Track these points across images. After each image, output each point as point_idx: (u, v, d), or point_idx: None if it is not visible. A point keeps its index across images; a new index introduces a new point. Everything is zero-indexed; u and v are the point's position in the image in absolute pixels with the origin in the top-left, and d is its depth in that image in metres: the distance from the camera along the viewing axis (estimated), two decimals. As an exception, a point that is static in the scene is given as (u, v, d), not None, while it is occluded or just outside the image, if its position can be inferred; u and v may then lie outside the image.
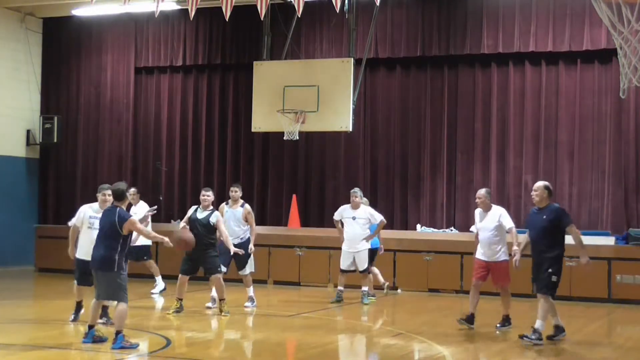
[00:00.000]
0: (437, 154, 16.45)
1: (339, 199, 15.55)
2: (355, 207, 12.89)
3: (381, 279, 13.74)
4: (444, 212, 16.27)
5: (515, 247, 10.05)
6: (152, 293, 13.51)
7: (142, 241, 12.25)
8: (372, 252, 13.15)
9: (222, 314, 11.25)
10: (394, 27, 16.40)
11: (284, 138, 14.29)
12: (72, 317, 10.35)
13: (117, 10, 16.63)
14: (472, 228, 14.96)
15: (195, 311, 11.66)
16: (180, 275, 11.37)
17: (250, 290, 12.21)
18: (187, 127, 18.13)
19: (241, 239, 12.02)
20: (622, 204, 15.09)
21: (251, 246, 12.08)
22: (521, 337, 9.55)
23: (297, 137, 14.30)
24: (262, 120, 14.66)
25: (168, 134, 18.30)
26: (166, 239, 9.30)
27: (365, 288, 12.97)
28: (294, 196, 16.68)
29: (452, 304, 13.42)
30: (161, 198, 17.22)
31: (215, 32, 17.64)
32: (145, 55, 18.28)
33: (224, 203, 12.18)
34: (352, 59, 14.32)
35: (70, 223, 11.12)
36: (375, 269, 13.54)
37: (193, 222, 11.27)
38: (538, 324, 9.49)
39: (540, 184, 9.90)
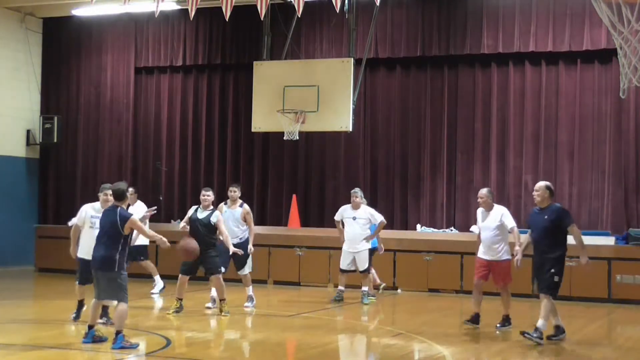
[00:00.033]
0: (437, 154, 16.45)
1: (339, 199, 15.56)
2: (356, 207, 12.89)
3: (377, 279, 13.75)
4: (444, 212, 16.27)
5: (517, 248, 10.06)
6: (152, 293, 13.50)
7: (139, 241, 12.26)
8: (370, 252, 13.14)
9: (222, 314, 11.25)
10: (394, 27, 16.41)
11: (284, 138, 14.30)
12: (74, 316, 10.36)
13: (117, 10, 16.63)
14: (472, 228, 15.09)
15: (195, 311, 11.66)
16: (180, 275, 11.37)
17: (250, 290, 12.22)
18: (187, 127, 18.14)
19: (240, 238, 12.02)
20: (622, 204, 15.09)
21: (250, 247, 12.09)
22: (522, 333, 9.55)
23: (297, 137, 14.30)
24: (262, 120, 14.66)
25: (168, 134, 18.30)
26: (164, 238, 9.31)
27: (365, 288, 12.97)
28: (294, 196, 16.69)
29: (452, 304, 13.43)
30: (161, 198, 17.23)
31: (215, 32, 17.64)
32: (145, 55, 18.28)
33: (223, 203, 12.17)
34: (352, 59, 14.32)
35: (70, 223, 11.14)
36: (372, 270, 13.53)
37: (194, 222, 11.27)
38: (540, 323, 9.50)
39: (541, 184, 9.90)
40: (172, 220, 17.10)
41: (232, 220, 11.98)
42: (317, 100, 14.17)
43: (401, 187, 16.68)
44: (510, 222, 10.51)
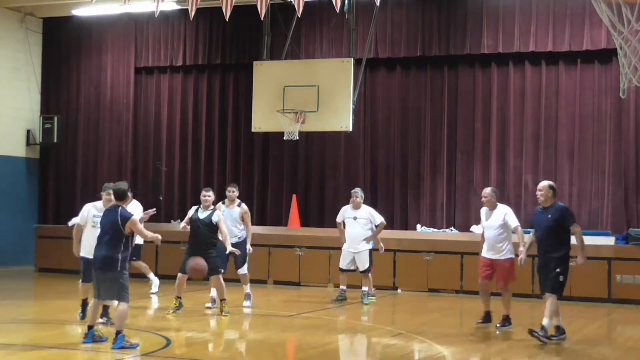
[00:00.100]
0: (437, 154, 16.45)
1: (339, 199, 15.56)
2: (357, 207, 12.89)
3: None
4: (444, 212, 16.27)
5: (521, 248, 10.06)
6: (152, 293, 13.50)
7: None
8: (369, 252, 13.13)
9: (223, 314, 11.24)
10: (394, 27, 16.40)
11: (284, 138, 14.30)
12: (80, 316, 10.35)
13: (117, 10, 16.63)
14: (473, 227, 15.11)
15: (195, 311, 11.66)
16: (179, 274, 11.34)
17: (247, 287, 12.23)
18: (187, 127, 18.14)
19: (239, 238, 12.05)
20: (622, 204, 15.09)
21: (248, 246, 12.10)
22: (530, 332, 9.54)
23: (297, 137, 14.30)
24: (262, 120, 14.66)
25: (168, 134, 18.30)
26: (159, 237, 9.30)
27: (365, 288, 12.96)
28: (294, 196, 16.68)
29: (452, 304, 13.43)
30: (161, 198, 17.22)
31: (215, 32, 17.64)
32: (145, 55, 18.28)
33: (220, 202, 12.17)
34: (352, 59, 14.33)
35: (70, 223, 11.14)
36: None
37: (194, 222, 11.28)
38: (545, 322, 9.50)
39: (544, 183, 9.93)
40: (172, 220, 17.10)
41: (230, 220, 11.99)
42: (317, 100, 14.17)
43: (401, 187, 16.68)
44: (513, 221, 10.54)
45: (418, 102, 16.63)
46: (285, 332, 10.42)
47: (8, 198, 17.95)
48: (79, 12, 17.77)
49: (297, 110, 14.14)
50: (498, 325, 10.60)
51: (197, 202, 11.73)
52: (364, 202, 13.03)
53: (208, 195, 11.40)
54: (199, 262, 10.94)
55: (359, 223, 12.84)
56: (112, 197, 9.31)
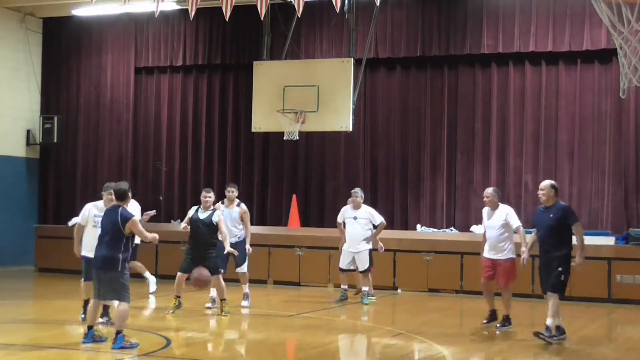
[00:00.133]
0: (437, 154, 16.44)
1: (339, 199, 15.56)
2: (357, 207, 12.89)
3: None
4: (444, 212, 16.27)
5: (523, 248, 10.06)
6: (151, 293, 13.49)
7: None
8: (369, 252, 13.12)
9: (223, 314, 11.25)
10: (394, 27, 16.40)
11: (284, 138, 14.30)
12: (82, 317, 10.31)
13: (117, 10, 16.63)
14: (473, 227, 15.11)
15: (195, 311, 11.65)
16: (178, 274, 11.33)
17: (246, 287, 12.24)
18: (187, 127, 18.13)
19: (238, 238, 12.06)
20: (622, 204, 15.09)
21: (248, 246, 12.11)
22: (536, 334, 9.53)
23: (297, 137, 14.30)
24: (262, 120, 14.66)
25: (168, 134, 18.30)
26: (157, 237, 9.31)
27: (365, 288, 12.96)
28: (294, 196, 16.68)
29: (452, 304, 13.42)
30: (161, 198, 17.23)
31: (215, 32, 17.64)
32: (145, 55, 18.28)
33: (220, 202, 12.16)
34: (352, 59, 14.33)
35: (70, 223, 11.13)
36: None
37: (195, 223, 11.28)
38: (549, 322, 9.50)
39: (546, 183, 9.94)
40: (172, 220, 17.10)
41: (229, 220, 12.00)
42: (317, 100, 14.17)
43: (401, 187, 16.68)
44: (515, 221, 10.56)
45: (418, 102, 16.63)
46: (285, 332, 10.42)
47: (8, 198, 17.95)
48: (79, 12, 17.77)
49: (297, 110, 14.13)
50: (498, 325, 10.61)
51: (197, 202, 11.73)
52: (364, 202, 13.03)
53: (209, 196, 11.41)
54: (203, 272, 10.95)
55: (359, 223, 12.84)
56: (113, 197, 9.31)
